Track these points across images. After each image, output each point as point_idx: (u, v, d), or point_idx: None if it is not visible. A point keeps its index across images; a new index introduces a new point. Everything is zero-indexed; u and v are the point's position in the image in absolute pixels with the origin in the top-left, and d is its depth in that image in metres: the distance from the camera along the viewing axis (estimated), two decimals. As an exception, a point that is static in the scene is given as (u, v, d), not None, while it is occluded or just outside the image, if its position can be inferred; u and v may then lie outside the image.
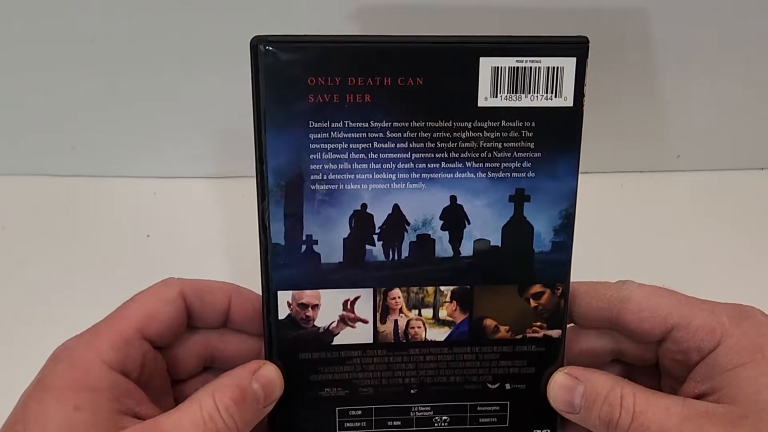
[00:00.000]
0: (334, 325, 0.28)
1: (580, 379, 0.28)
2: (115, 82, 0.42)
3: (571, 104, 0.27)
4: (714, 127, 0.45)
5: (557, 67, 0.27)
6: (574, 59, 0.27)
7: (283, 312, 0.28)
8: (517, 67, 0.26)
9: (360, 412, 0.30)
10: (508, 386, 0.30)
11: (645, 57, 0.42)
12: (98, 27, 0.40)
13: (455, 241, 0.28)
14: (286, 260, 0.27)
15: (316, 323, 0.28)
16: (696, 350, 0.27)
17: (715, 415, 0.25)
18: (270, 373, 0.28)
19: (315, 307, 0.28)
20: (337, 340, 0.29)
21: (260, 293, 0.28)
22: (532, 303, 0.29)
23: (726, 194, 0.47)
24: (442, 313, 0.29)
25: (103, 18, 0.39)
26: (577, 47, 0.27)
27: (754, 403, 0.25)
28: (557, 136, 0.27)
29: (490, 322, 0.29)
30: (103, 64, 0.41)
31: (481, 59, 0.26)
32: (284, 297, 0.28)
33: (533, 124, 0.27)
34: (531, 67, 0.26)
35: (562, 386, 0.29)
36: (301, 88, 0.26)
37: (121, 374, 0.26)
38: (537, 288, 0.29)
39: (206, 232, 0.44)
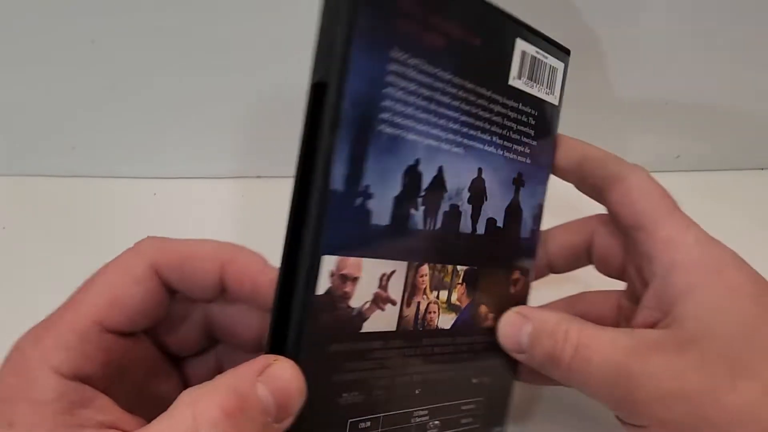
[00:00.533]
0: (367, 306, 0.23)
1: (529, 317, 0.27)
2: (115, 81, 0.42)
3: (557, 103, 0.29)
4: (713, 127, 0.45)
5: (555, 67, 0.28)
6: (563, 63, 0.29)
7: (323, 286, 0.21)
8: (536, 57, 0.27)
9: (369, 424, 0.24)
10: (485, 380, 0.28)
11: (644, 56, 0.42)
12: (98, 27, 0.40)
13: (475, 216, 0.26)
14: (340, 214, 0.21)
15: (351, 303, 0.22)
16: (651, 261, 0.26)
17: (663, 344, 0.24)
18: (285, 374, 0.20)
19: (354, 280, 0.22)
20: (365, 327, 0.23)
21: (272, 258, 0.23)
22: (511, 289, 0.29)
23: (726, 194, 0.47)
24: (454, 297, 0.26)
25: (103, 18, 0.39)
26: (565, 53, 0.29)
27: (703, 328, 0.24)
28: (546, 129, 0.29)
29: (483, 309, 0.27)
30: (103, 63, 0.41)
31: (517, 40, 0.26)
32: (329, 265, 0.21)
33: (536, 114, 0.28)
34: (542, 61, 0.28)
35: (512, 324, 0.27)
36: (391, 6, 0.22)
37: (76, 380, 0.20)
38: (516, 274, 0.29)
39: (207, 233, 0.44)
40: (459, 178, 0.25)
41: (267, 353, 0.20)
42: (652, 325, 0.26)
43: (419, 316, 0.25)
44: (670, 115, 0.45)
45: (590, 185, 0.29)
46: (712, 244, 0.26)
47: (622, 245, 0.29)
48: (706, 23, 0.40)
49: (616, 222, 0.28)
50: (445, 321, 0.26)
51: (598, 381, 0.25)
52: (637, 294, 0.28)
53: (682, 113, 0.44)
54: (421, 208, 0.24)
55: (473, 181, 0.26)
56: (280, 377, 0.20)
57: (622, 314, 0.30)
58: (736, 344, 0.23)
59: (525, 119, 0.27)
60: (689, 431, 0.23)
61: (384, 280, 0.23)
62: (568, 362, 0.25)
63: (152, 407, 0.19)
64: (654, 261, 0.26)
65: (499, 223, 0.27)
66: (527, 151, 0.28)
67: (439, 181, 0.24)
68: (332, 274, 0.21)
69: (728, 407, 0.23)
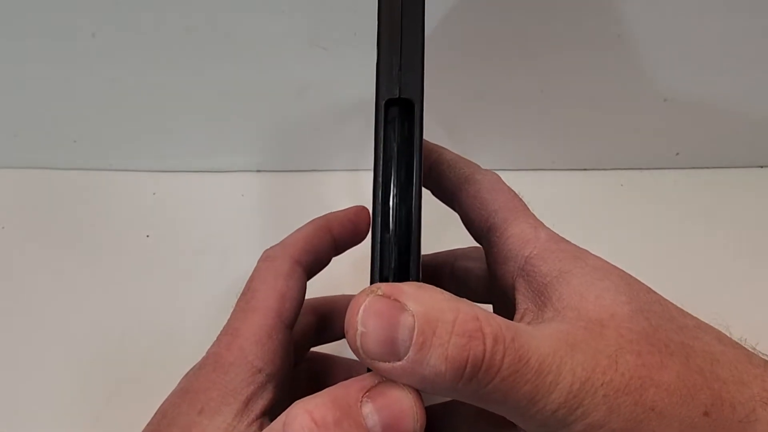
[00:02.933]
0: None
1: (402, 300, 0.18)
2: (116, 74, 0.42)
3: None
4: (713, 124, 0.45)
5: None
6: None
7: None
8: None
9: None
10: None
11: (644, 54, 0.42)
12: (99, 20, 0.40)
13: None
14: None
15: None
16: (506, 260, 0.23)
17: (575, 336, 0.19)
18: (393, 392, 0.18)
19: None
20: None
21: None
22: None
23: (725, 192, 0.47)
24: None
25: (104, 11, 0.39)
26: None
27: (604, 309, 0.20)
28: None
29: None
30: (104, 56, 0.41)
31: None
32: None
33: None
34: None
35: (377, 314, 0.17)
36: None
37: (261, 373, 0.22)
38: None
39: (208, 225, 0.45)
40: None
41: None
42: (530, 318, 0.22)
43: None
44: (670, 112, 0.45)
45: (443, 189, 0.27)
46: (563, 240, 0.23)
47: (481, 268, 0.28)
48: (704, 20, 0.40)
49: (467, 226, 0.26)
50: None
51: (534, 390, 0.18)
52: (504, 311, 0.24)
53: (681, 110, 0.45)
54: None
55: None
56: (388, 395, 0.18)
57: None
58: (640, 321, 0.20)
59: None
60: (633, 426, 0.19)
61: None
62: (497, 368, 0.17)
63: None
64: (512, 259, 0.23)
65: None
66: None
67: None
68: None
69: (666, 386, 0.19)
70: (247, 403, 0.22)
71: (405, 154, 0.21)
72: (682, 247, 0.44)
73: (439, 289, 0.19)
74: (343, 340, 0.29)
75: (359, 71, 0.41)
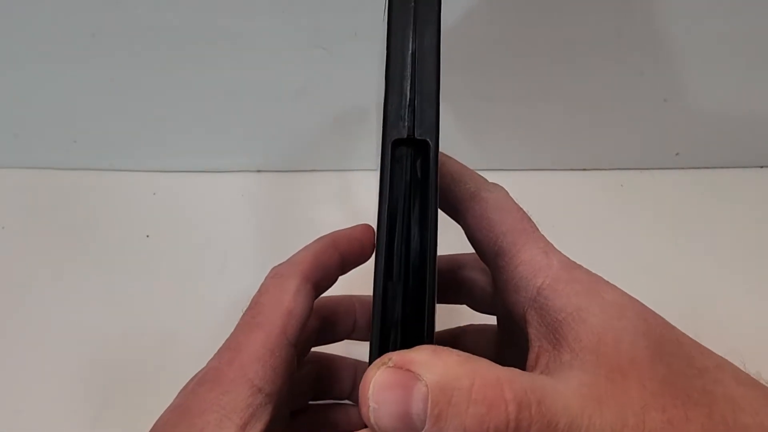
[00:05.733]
0: None
1: (415, 370, 0.17)
2: (115, 74, 0.42)
3: None
4: (713, 124, 0.45)
5: None
6: None
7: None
8: None
9: None
10: None
11: (644, 54, 0.42)
12: (99, 20, 0.40)
13: None
14: None
15: None
16: (516, 288, 0.22)
17: (594, 383, 0.19)
18: None
19: None
20: None
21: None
22: None
23: (725, 192, 0.47)
24: None
25: (103, 11, 0.39)
26: None
27: (620, 352, 0.19)
28: None
29: None
30: (103, 56, 0.41)
31: None
32: None
33: None
34: None
35: (389, 388, 0.17)
36: None
37: (262, 393, 0.22)
38: None
39: (208, 226, 0.45)
40: None
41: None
42: (548, 361, 0.21)
43: None
44: (670, 112, 0.45)
45: (447, 203, 0.25)
46: (576, 267, 0.22)
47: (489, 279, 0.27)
48: (704, 20, 0.40)
49: (474, 246, 0.25)
50: None
51: None
52: (509, 328, 0.25)
53: (681, 110, 0.45)
54: None
55: None
56: None
57: (500, 352, 0.27)
58: (660, 368, 0.20)
59: None
60: None
61: None
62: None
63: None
64: (522, 289, 0.22)
65: None
66: None
67: None
68: None
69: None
70: (245, 426, 0.21)
71: (418, 196, 0.19)
72: (682, 248, 0.44)
73: (455, 351, 0.18)
74: (346, 341, 0.29)
75: (360, 71, 0.41)
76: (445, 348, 0.18)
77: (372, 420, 0.17)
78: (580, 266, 0.22)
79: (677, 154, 0.47)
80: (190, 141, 0.46)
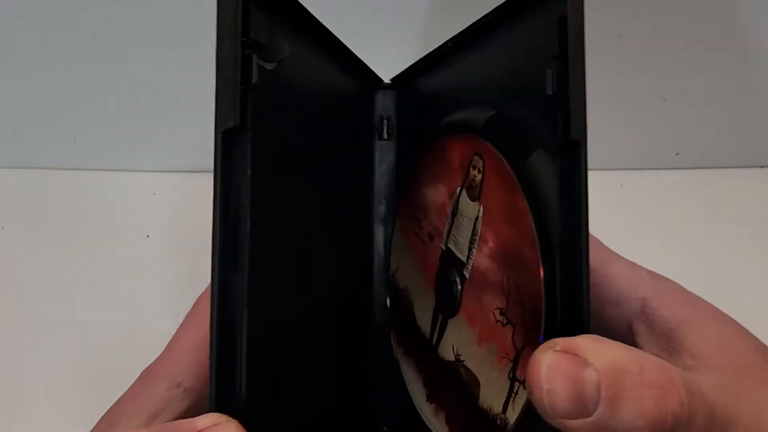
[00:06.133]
0: None
1: (583, 354, 0.17)
2: (116, 74, 0.42)
3: None
4: (713, 124, 0.45)
5: None
6: None
7: None
8: None
9: None
10: None
11: (643, 54, 0.42)
12: (99, 20, 0.40)
13: None
14: None
15: None
16: (617, 303, 0.23)
17: (723, 381, 0.20)
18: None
19: None
20: None
21: None
22: None
23: (725, 192, 0.47)
24: None
25: (104, 11, 0.39)
26: None
27: (730, 356, 0.21)
28: None
29: None
30: (103, 56, 0.41)
31: None
32: None
33: None
34: None
35: (561, 374, 0.17)
36: None
37: (188, 390, 0.23)
38: None
39: (208, 227, 0.44)
40: None
41: None
42: None
43: None
44: (670, 112, 0.45)
45: None
46: (662, 278, 0.24)
47: None
48: (705, 20, 0.40)
49: None
50: None
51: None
52: None
53: (681, 110, 0.45)
54: None
55: None
56: None
57: None
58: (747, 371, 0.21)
59: None
60: None
61: None
62: (695, 420, 0.17)
63: None
64: (625, 302, 0.23)
65: None
66: None
67: None
68: None
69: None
70: (153, 417, 0.23)
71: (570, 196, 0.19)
72: (682, 248, 0.44)
73: (613, 341, 0.18)
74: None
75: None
76: (605, 338, 0.18)
77: (546, 402, 0.17)
78: (663, 277, 0.24)
79: (677, 154, 0.47)
80: (190, 141, 0.46)
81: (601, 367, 0.17)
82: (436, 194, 0.27)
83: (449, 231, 0.26)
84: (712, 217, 0.45)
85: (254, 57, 0.22)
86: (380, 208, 0.33)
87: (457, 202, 0.26)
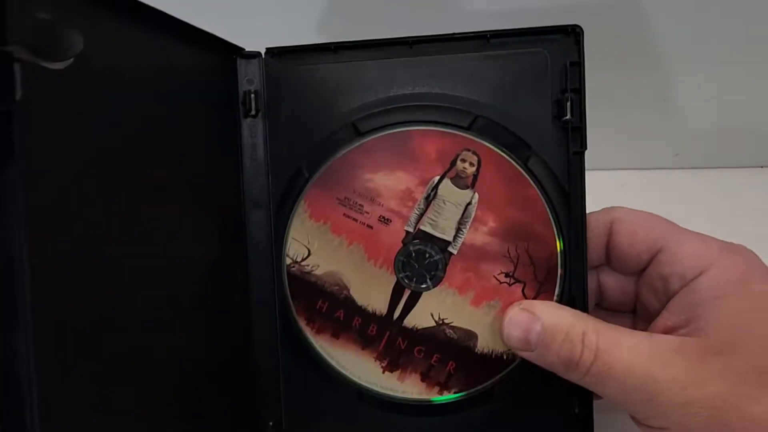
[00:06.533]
0: None
1: (537, 315, 0.26)
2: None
3: None
4: (713, 124, 0.45)
5: None
6: None
7: None
8: None
9: None
10: None
11: (643, 54, 0.42)
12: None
13: None
14: None
15: None
16: (679, 277, 0.26)
17: (685, 350, 0.24)
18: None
19: None
20: None
21: None
22: None
23: (725, 192, 0.47)
24: None
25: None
26: None
27: (730, 338, 0.24)
28: None
29: None
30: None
31: None
32: None
33: None
34: None
35: (518, 324, 0.27)
36: None
37: None
38: None
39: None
40: None
41: None
42: (671, 330, 0.26)
43: None
44: (670, 112, 0.45)
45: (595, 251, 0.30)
46: (736, 253, 0.26)
47: (633, 287, 0.30)
48: (705, 19, 0.40)
49: (616, 259, 0.29)
50: None
51: (618, 387, 0.25)
52: (651, 311, 0.28)
53: (681, 110, 0.45)
54: None
55: None
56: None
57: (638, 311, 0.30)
58: (764, 356, 0.24)
59: None
60: None
61: None
62: (587, 369, 0.25)
63: None
64: (682, 276, 0.26)
65: None
66: None
67: None
68: None
69: (752, 417, 0.23)
70: None
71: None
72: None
73: (566, 307, 0.27)
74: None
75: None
76: (563, 306, 0.27)
77: (505, 339, 0.27)
78: (739, 251, 0.26)
79: (677, 154, 0.47)
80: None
81: (544, 323, 0.26)
82: (395, 181, 0.30)
83: (421, 215, 0.29)
84: (712, 217, 0.45)
85: (16, 67, 0.17)
86: (252, 192, 0.31)
87: (434, 189, 0.29)
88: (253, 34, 0.31)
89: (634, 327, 0.29)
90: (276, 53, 0.31)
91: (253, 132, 0.31)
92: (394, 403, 0.30)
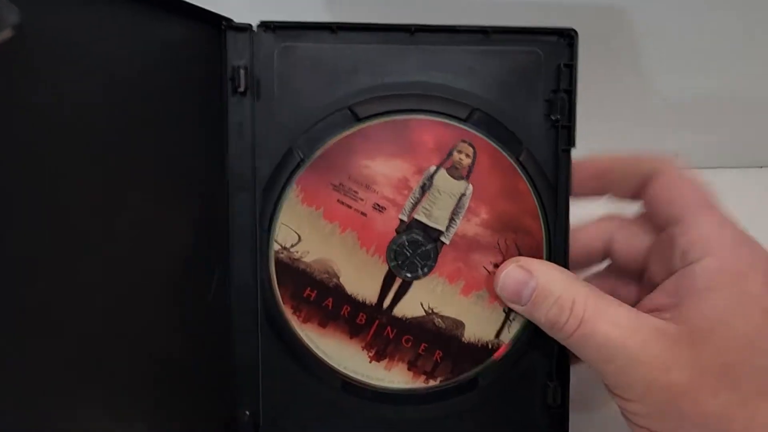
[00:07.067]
0: None
1: (534, 274, 0.27)
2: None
3: None
4: (712, 124, 0.45)
5: None
6: None
7: None
8: None
9: None
10: None
11: (642, 54, 0.42)
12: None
13: None
14: None
15: None
16: (681, 254, 0.26)
17: (663, 335, 0.25)
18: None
19: None
20: None
21: None
22: None
23: (725, 192, 0.47)
24: None
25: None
26: None
27: (707, 331, 0.24)
28: None
29: None
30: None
31: None
32: None
33: None
34: None
35: (514, 278, 0.28)
36: None
37: None
38: None
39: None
40: None
41: None
42: (660, 309, 0.26)
43: None
44: (669, 113, 0.45)
45: (620, 188, 0.30)
46: (747, 246, 0.26)
47: (645, 246, 0.30)
48: (706, 21, 0.40)
49: (650, 216, 0.29)
50: None
51: (594, 354, 0.26)
52: (654, 281, 0.28)
53: (681, 110, 0.44)
54: None
55: None
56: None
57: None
58: (732, 354, 0.24)
59: None
60: (668, 420, 0.25)
61: None
62: (569, 333, 0.26)
63: None
64: (685, 256, 0.26)
65: None
66: None
67: None
68: None
69: (705, 410, 0.24)
70: None
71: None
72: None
73: (560, 268, 0.28)
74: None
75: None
76: (560, 267, 0.28)
77: (499, 291, 0.28)
78: (751, 245, 0.26)
79: (677, 154, 0.47)
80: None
81: (539, 282, 0.27)
82: (391, 169, 0.29)
83: (416, 204, 0.29)
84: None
85: None
86: (236, 173, 0.30)
87: (430, 179, 0.29)
88: (243, 6, 0.30)
89: (638, 297, 0.29)
90: (270, 27, 0.29)
91: (240, 110, 0.30)
92: (378, 392, 0.30)
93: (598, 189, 0.31)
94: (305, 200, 0.30)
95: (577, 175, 0.30)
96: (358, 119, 0.29)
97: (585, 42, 0.41)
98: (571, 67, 0.29)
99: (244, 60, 0.29)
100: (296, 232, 0.30)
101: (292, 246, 0.30)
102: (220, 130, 0.29)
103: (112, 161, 0.23)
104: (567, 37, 0.29)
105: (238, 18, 0.30)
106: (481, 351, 0.30)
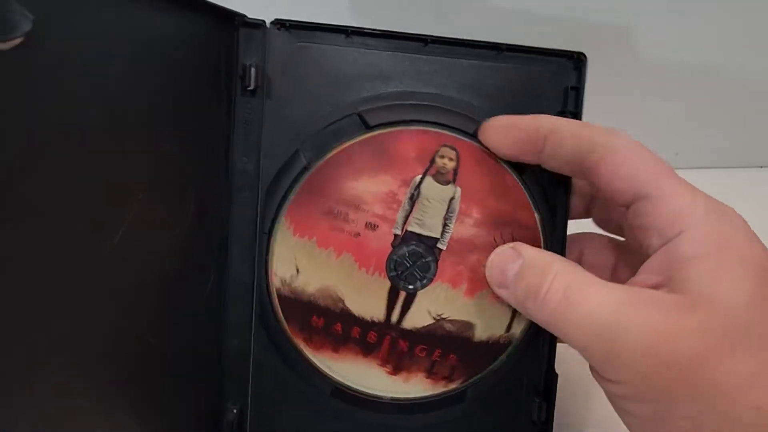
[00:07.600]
0: None
1: (522, 253, 0.27)
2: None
3: None
4: (712, 124, 0.45)
5: None
6: None
7: None
8: None
9: None
10: None
11: (642, 54, 0.42)
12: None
13: None
14: None
15: None
16: (658, 233, 0.25)
17: (660, 302, 0.23)
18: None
19: None
20: None
21: None
22: None
23: (725, 192, 0.47)
24: None
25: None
26: None
27: (709, 294, 0.22)
28: None
29: None
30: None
31: None
32: None
33: None
34: None
35: (502, 255, 0.28)
36: None
37: None
38: None
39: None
40: None
41: None
42: (649, 287, 0.24)
43: None
44: (669, 112, 0.45)
45: (566, 162, 0.27)
46: (722, 215, 0.24)
47: (613, 254, 0.31)
48: (706, 19, 0.40)
49: (609, 195, 0.26)
50: None
51: (581, 328, 0.24)
52: (635, 265, 0.27)
53: (680, 110, 0.45)
54: None
55: None
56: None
57: (615, 275, 0.31)
58: (740, 314, 0.22)
59: None
60: (666, 394, 0.22)
61: None
62: (553, 304, 0.24)
63: None
64: (661, 232, 0.24)
65: None
66: None
67: None
68: None
69: (720, 376, 0.22)
70: None
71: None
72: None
73: (552, 253, 0.27)
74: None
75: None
76: (547, 251, 0.28)
77: (487, 273, 0.28)
78: (726, 213, 0.24)
79: (677, 154, 0.47)
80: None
81: (524, 261, 0.26)
82: (377, 185, 0.29)
83: (407, 215, 0.29)
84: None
85: None
86: (240, 173, 0.30)
87: (417, 188, 0.29)
88: (261, 3, 0.30)
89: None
90: (285, 26, 0.29)
91: (247, 108, 0.29)
92: (399, 404, 0.30)
93: (530, 154, 0.28)
94: (297, 232, 0.29)
95: (510, 137, 0.28)
96: (368, 127, 0.29)
97: (584, 40, 0.41)
98: (577, 90, 0.29)
99: (256, 58, 0.29)
100: (295, 265, 0.30)
101: (292, 279, 0.30)
102: (224, 128, 0.29)
103: (112, 156, 0.23)
104: (576, 60, 0.29)
105: (254, 15, 0.29)
106: (492, 347, 0.30)
